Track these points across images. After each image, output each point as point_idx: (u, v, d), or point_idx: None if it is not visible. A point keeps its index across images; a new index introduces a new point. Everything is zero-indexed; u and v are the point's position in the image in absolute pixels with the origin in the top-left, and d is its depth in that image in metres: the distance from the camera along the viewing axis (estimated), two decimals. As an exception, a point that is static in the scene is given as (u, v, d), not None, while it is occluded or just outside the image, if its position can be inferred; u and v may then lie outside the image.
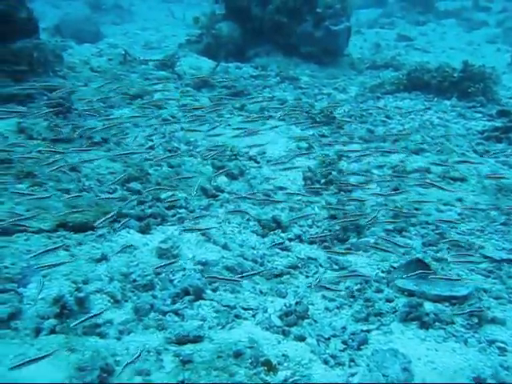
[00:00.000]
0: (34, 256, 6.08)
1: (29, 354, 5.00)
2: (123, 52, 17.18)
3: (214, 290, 6.42)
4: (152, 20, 29.42)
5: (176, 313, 5.97)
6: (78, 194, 7.79)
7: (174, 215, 7.97)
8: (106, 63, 15.65)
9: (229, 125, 12.04)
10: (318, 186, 9.33)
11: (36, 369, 4.83)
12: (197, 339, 5.54)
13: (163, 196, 8.33)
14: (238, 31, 17.27)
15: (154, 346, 5.39)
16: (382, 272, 7.13)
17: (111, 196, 8.35)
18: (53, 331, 5.51)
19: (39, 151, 9.21)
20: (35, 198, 7.32)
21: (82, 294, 5.90)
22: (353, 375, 5.32)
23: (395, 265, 7.21)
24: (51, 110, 11.33)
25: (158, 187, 8.51)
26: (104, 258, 6.71)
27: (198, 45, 17.76)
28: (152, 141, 10.84)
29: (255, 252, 7.22)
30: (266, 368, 5.20)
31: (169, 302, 6.10)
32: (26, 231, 7.04)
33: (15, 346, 5.10)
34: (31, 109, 11.22)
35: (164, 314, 5.92)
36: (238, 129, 11.66)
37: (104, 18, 26.06)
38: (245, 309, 6.17)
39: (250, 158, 10.36)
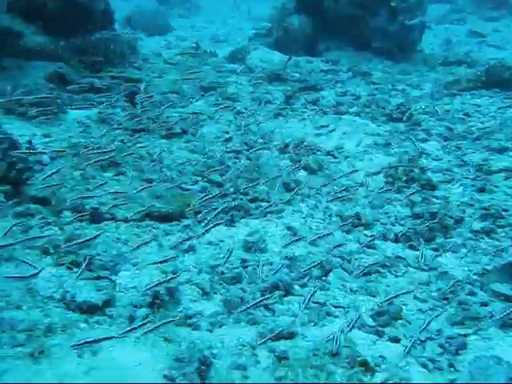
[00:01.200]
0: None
1: (128, 342, 5.01)
2: (194, 44, 17.29)
3: (303, 286, 6.31)
4: (218, 13, 29.42)
5: (266, 307, 5.88)
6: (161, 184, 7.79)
7: (256, 208, 7.89)
8: (177, 55, 15.72)
9: (303, 119, 11.86)
10: (399, 183, 9.07)
11: (136, 358, 4.84)
12: (290, 335, 5.44)
13: (245, 189, 8.26)
14: (309, 24, 17.05)
15: (247, 340, 5.32)
16: (474, 274, 6.85)
17: (193, 187, 8.37)
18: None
19: (121, 141, 9.35)
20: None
21: (172, 285, 5.89)
22: (453, 382, 5.11)
23: (488, 267, 6.92)
24: (129, 100, 11.54)
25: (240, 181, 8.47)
26: (191, 249, 6.69)
27: (268, 38, 17.63)
28: (228, 133, 10.80)
29: (342, 249, 7.06)
30: (363, 369, 5.05)
31: (258, 295, 6.01)
32: (115, 220, 7.12)
33: (115, 334, 5.11)
34: (110, 99, 11.40)
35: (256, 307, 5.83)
36: (313, 123, 11.52)
37: (171, 11, 26.23)
38: (335, 306, 6.04)
39: (328, 153, 10.19)
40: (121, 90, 12.05)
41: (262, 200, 8.09)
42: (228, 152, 9.65)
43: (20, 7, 14.10)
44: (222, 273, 6.38)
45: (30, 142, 8.04)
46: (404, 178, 9.21)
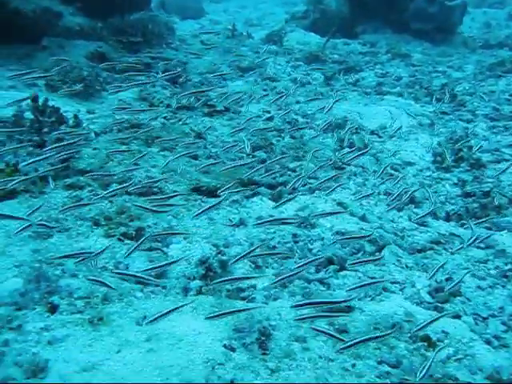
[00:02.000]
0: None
1: (186, 312, 4.93)
2: (230, 27, 17.13)
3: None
4: (248, -2, 29.26)
5: (321, 281, 5.75)
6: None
7: (304, 185, 7.74)
8: (214, 37, 15.60)
9: (345, 99, 11.65)
10: (448, 162, 8.84)
11: (195, 327, 4.75)
12: (348, 309, 5.31)
13: (291, 166, 8.12)
14: (346, 6, 16.78)
15: (304, 312, 5.18)
16: (532, 253, 6.62)
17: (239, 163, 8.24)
18: (199, 292, 5.44)
19: (164, 117, 9.28)
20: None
21: (225, 258, 5.79)
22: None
23: (547, 247, 6.68)
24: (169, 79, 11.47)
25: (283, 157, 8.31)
26: (242, 223, 6.58)
27: (305, 20, 17.43)
28: (269, 112, 10.66)
29: (395, 225, 6.88)
30: (426, 343, 4.89)
31: (312, 270, 5.88)
32: (162, 193, 7.04)
33: (169, 304, 5.03)
34: (150, 78, 11.32)
35: (309, 282, 5.71)
36: (355, 103, 11.32)
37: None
38: (391, 282, 5.87)
39: (372, 133, 9.99)
40: (160, 69, 11.96)
41: (310, 177, 7.92)
42: (270, 130, 9.49)
43: (59, -12, 14.11)
44: (274, 247, 6.26)
45: (76, 117, 7.98)
46: (453, 157, 8.96)
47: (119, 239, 6.02)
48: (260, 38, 16.43)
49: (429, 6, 16.28)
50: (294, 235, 6.51)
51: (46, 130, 7.60)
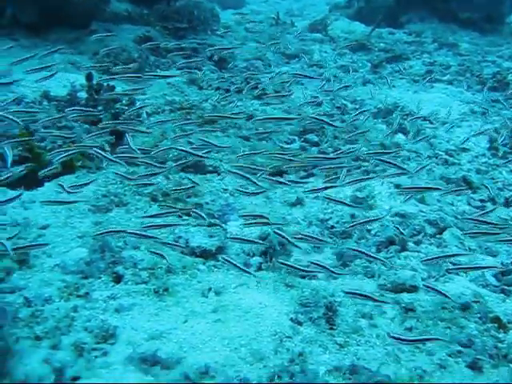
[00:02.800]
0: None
1: (250, 285, 4.87)
2: (273, 16, 17.03)
3: (417, 243, 6.02)
4: (288, -9, 29.06)
5: (383, 261, 5.63)
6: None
7: (358, 167, 7.62)
8: (258, 25, 15.54)
9: (393, 86, 11.47)
10: (506, 149, 8.61)
11: (261, 300, 4.69)
12: (412, 289, 5.18)
13: (344, 148, 7.98)
14: (391, -5, 16.51)
15: (369, 290, 5.08)
16: None
17: (291, 146, 8.18)
18: (259, 268, 5.38)
19: (216, 100, 9.23)
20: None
21: (284, 234, 5.71)
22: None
23: None
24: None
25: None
26: (299, 202, 6.50)
27: (349, 10, 17.22)
28: (318, 97, 10.52)
29: (454, 208, 6.72)
30: (496, 325, 4.74)
31: (373, 249, 5.77)
32: (217, 172, 7.02)
33: (233, 277, 4.98)
34: (198, 63, 11.35)
35: (370, 261, 5.60)
36: (404, 90, 11.13)
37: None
38: (455, 264, 5.71)
39: (424, 119, 9.78)
40: (207, 53, 11.95)
41: (364, 160, 7.80)
42: (321, 115, 9.37)
43: (105, -25, 14.21)
44: (332, 227, 6.16)
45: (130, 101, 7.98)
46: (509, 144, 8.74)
47: (178, 215, 6.00)
48: (303, 27, 16.27)
49: (477, -5, 15.93)
50: (352, 215, 6.40)
51: (100, 108, 7.64)
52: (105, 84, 7.91)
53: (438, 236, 6.18)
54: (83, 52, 11.25)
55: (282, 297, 4.79)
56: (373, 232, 6.14)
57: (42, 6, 11.88)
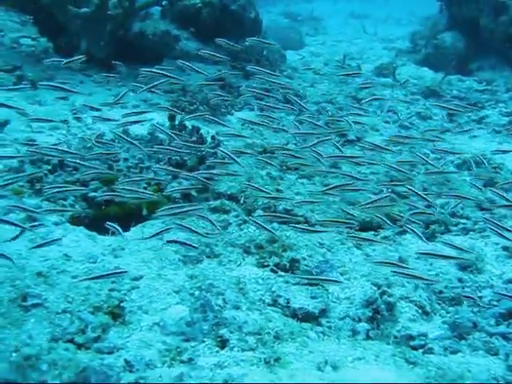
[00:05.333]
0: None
1: (368, 359, 4.36)
2: (338, 59, 16.79)
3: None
4: (343, 34, 29.03)
5: (504, 336, 5.05)
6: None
7: (456, 224, 7.09)
8: (325, 67, 15.31)
9: (474, 136, 10.96)
10: None
11: (384, 377, 4.17)
12: (546, 372, 4.58)
13: (437, 202, 7.48)
14: (461, 42, 16.12)
15: (499, 374, 4.50)
16: None
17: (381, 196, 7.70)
18: (367, 336, 4.88)
19: (295, 143, 8.90)
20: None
21: (391, 300, 5.22)
22: None
23: None
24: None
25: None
26: (401, 261, 5.98)
27: (415, 55, 16.84)
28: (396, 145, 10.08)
29: None
30: None
31: (492, 321, 5.20)
32: (308, 223, 6.57)
33: (346, 348, 4.48)
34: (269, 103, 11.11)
35: (490, 335, 5.03)
36: (486, 141, 10.62)
37: (299, 29, 26.05)
38: None
39: (516, 174, 9.21)
40: (279, 94, 11.68)
41: (461, 216, 7.26)
42: (401, 161, 8.87)
43: (173, 13, 14.26)
44: (440, 292, 5.62)
45: (213, 138, 7.67)
46: None
47: (272, 270, 5.56)
48: (369, 70, 15.95)
49: (554, 44, 15.39)
50: (460, 279, 5.85)
51: (184, 149, 7.32)
52: (189, 125, 7.62)
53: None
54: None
55: (406, 375, 4.25)
56: (485, 300, 5.58)
57: (116, 42, 11.89)
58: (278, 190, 6.94)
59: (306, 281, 5.29)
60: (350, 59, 20.63)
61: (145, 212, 6.22)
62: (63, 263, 5.04)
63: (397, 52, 18.11)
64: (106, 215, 6.22)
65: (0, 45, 12.70)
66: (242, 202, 6.75)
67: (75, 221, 6.28)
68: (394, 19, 37.09)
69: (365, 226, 6.64)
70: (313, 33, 27.91)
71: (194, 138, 7.24)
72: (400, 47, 23.42)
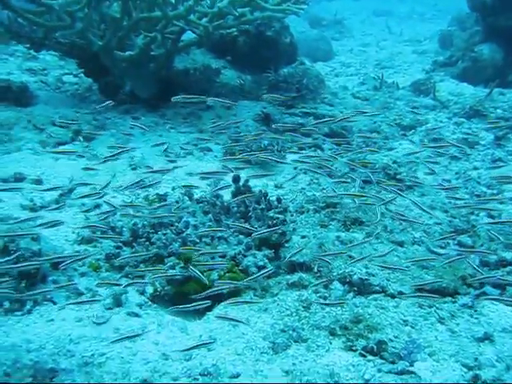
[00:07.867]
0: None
1: None
2: (374, 76, 16.67)
3: None
4: (368, 35, 28.81)
5: None
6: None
7: (531, 285, 7.03)
8: (363, 88, 15.22)
9: None
10: None
11: None
12: None
13: (509, 257, 7.43)
14: (499, 53, 15.91)
15: None
16: None
17: (445, 252, 7.67)
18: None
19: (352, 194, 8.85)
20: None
21: (485, 385, 5.22)
22: None
23: None
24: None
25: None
26: (487, 337, 5.96)
27: (452, 68, 16.63)
28: (450, 181, 10.04)
29: None
30: None
31: None
32: (385, 292, 6.57)
33: None
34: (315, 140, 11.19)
35: None
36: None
37: (327, 37, 25.87)
38: None
39: None
40: (324, 130, 11.68)
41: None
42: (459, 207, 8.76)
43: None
44: (532, 371, 5.60)
45: (279, 200, 7.64)
46: None
47: (361, 354, 5.59)
48: (406, 86, 15.80)
49: None
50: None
51: (252, 215, 7.35)
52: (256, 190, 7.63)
53: None
54: (203, 131, 11.12)
55: None
56: None
57: (160, 82, 11.93)
58: (350, 257, 6.93)
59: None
60: (381, 68, 20.56)
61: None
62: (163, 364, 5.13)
63: (433, 65, 17.86)
64: (185, 292, 6.30)
65: (46, 85, 12.84)
66: (315, 270, 6.77)
67: (155, 299, 6.40)
68: (417, 14, 36.71)
69: (442, 292, 6.61)
70: (338, 36, 27.78)
71: (263, 206, 7.23)
72: (428, 48, 23.26)
